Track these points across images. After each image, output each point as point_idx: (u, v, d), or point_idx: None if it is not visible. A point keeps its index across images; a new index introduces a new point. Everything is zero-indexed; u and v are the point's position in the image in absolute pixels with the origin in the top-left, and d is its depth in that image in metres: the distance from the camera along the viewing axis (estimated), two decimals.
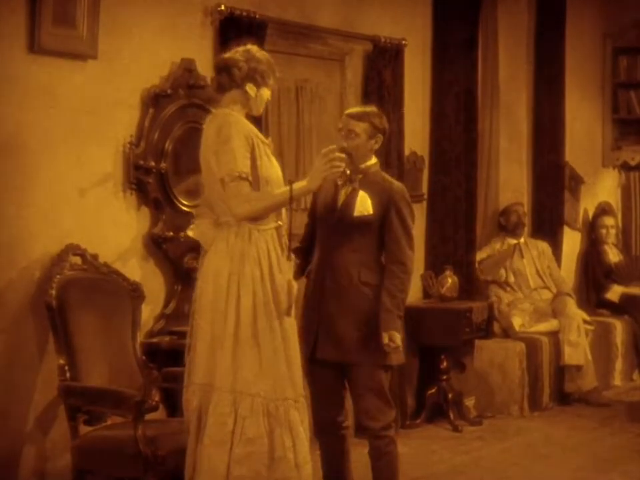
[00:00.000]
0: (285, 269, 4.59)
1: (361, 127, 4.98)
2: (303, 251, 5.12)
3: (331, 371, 5.03)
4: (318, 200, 5.15)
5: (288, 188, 4.51)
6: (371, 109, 5.15)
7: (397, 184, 5.13)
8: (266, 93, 4.68)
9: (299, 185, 4.56)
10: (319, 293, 5.00)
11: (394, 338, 4.89)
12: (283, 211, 4.68)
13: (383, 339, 4.88)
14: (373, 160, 5.09)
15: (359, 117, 5.01)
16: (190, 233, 4.74)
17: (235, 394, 4.45)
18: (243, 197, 4.45)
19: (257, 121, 4.94)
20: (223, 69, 4.65)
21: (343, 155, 4.60)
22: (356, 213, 4.95)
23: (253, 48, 4.70)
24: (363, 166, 5.03)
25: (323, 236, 5.06)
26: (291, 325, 4.60)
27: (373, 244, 4.99)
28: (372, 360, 4.95)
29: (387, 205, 4.97)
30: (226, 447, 4.42)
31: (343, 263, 4.96)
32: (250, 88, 4.62)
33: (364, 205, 4.95)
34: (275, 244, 4.58)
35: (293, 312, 4.58)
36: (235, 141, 4.45)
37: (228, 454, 4.42)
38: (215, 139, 4.49)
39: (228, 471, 4.42)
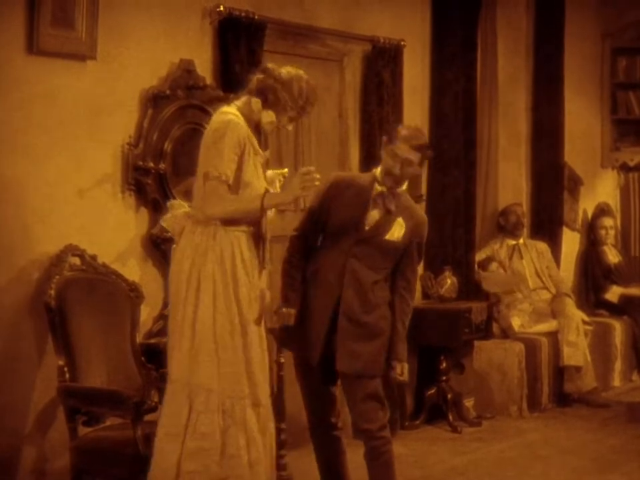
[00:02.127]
0: (254, 273, 4.60)
1: (418, 157, 4.99)
2: (303, 243, 5.09)
3: (321, 371, 5.02)
4: (338, 206, 5.02)
5: (259, 195, 4.53)
6: (425, 137, 5.12)
7: (423, 214, 5.22)
8: (270, 116, 4.66)
9: (270, 197, 4.57)
10: (333, 304, 4.96)
11: (405, 370, 5.04)
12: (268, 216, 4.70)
13: (396, 369, 5.02)
14: (406, 184, 5.12)
15: (419, 149, 4.98)
16: (163, 224, 4.79)
17: (190, 387, 4.47)
18: (217, 196, 4.47)
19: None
20: (260, 71, 4.70)
21: (318, 176, 4.58)
22: (387, 237, 4.97)
23: (297, 75, 4.68)
24: (399, 190, 5.05)
25: (342, 248, 4.98)
26: (257, 329, 4.61)
27: (390, 266, 5.03)
28: (380, 372, 5.01)
29: (413, 234, 5.03)
30: (179, 439, 4.45)
31: (363, 279, 4.96)
32: (255, 102, 4.63)
33: (397, 232, 4.98)
34: (241, 247, 4.58)
35: (262, 322, 4.62)
36: (226, 141, 4.48)
37: (180, 447, 4.44)
38: (211, 136, 4.54)
39: (179, 464, 4.44)
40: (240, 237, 4.58)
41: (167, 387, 4.55)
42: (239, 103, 4.69)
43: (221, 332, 4.50)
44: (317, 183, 4.59)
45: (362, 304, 4.96)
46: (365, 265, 4.96)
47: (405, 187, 5.09)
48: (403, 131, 5.03)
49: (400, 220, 4.99)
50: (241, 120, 4.58)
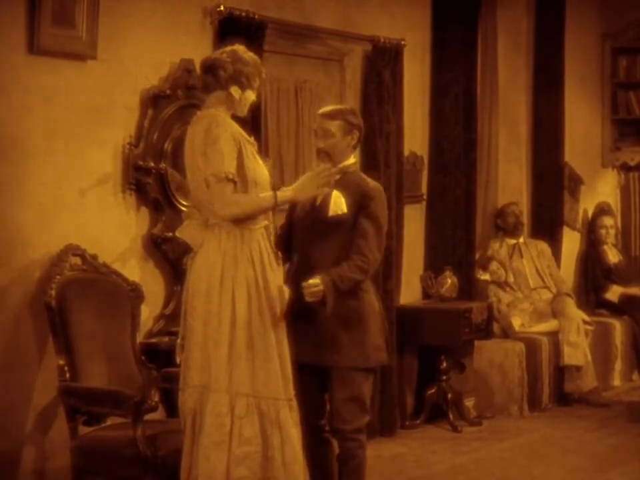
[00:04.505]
0: (275, 267, 4.61)
1: (335, 125, 4.93)
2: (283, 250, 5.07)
3: (311, 374, 4.92)
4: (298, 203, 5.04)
5: (272, 194, 4.55)
6: (344, 106, 5.18)
7: (373, 183, 5.03)
8: (251, 95, 4.68)
9: (284, 194, 4.59)
10: (297, 296, 4.81)
11: (313, 284, 4.66)
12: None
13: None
14: (352, 160, 5.03)
15: (332, 116, 4.97)
16: (178, 234, 4.76)
17: (230, 394, 4.47)
18: (227, 198, 4.47)
19: (254, 121, 4.94)
20: (209, 70, 4.66)
21: (335, 170, 4.60)
22: (330, 213, 4.86)
23: (240, 48, 4.71)
24: (341, 165, 4.95)
25: (301, 237, 4.98)
26: (283, 325, 4.62)
27: (349, 244, 4.87)
28: (349, 362, 4.84)
29: (360, 205, 4.88)
30: (224, 447, 4.44)
31: (320, 263, 4.84)
32: (235, 90, 4.63)
33: (338, 204, 4.86)
34: (265, 243, 4.60)
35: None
36: (222, 141, 4.47)
37: (226, 454, 4.44)
38: (203, 140, 4.50)
39: (227, 471, 4.43)
40: (263, 233, 4.60)
41: (207, 397, 4.50)
42: (210, 104, 4.65)
43: (257, 334, 4.50)
44: (336, 177, 4.68)
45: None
46: (323, 250, 4.83)
47: (351, 161, 4.99)
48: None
49: (336, 193, 4.87)
50: (225, 117, 4.58)
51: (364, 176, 5.09)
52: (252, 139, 4.69)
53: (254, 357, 4.49)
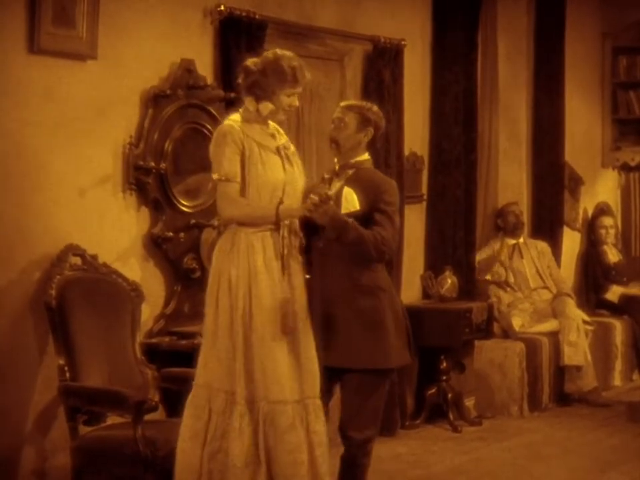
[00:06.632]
0: (275, 271, 4.58)
1: (350, 117, 4.89)
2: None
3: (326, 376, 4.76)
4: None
5: (274, 206, 4.53)
6: (367, 103, 5.10)
7: (386, 178, 5.00)
8: (267, 106, 4.64)
9: (287, 207, 4.55)
10: (312, 297, 4.73)
11: (326, 201, 4.50)
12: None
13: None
14: (365, 156, 4.94)
15: (349, 107, 4.96)
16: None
17: (210, 389, 4.53)
18: (230, 199, 4.55)
19: None
20: (238, 75, 4.73)
21: (332, 201, 4.53)
22: (343, 210, 4.75)
23: (271, 56, 4.66)
24: (353, 161, 4.90)
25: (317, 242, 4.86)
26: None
27: None
28: (367, 364, 4.74)
29: (373, 200, 4.78)
30: (199, 440, 4.50)
31: (335, 262, 4.77)
32: (249, 102, 4.66)
33: (350, 201, 4.79)
34: (264, 246, 4.57)
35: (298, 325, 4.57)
36: (222, 145, 4.56)
37: (201, 448, 4.50)
38: (211, 146, 4.65)
39: (201, 464, 4.49)
40: (264, 237, 4.58)
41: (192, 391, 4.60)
42: (240, 109, 4.73)
43: (237, 334, 4.51)
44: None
45: (335, 292, 4.74)
46: (337, 248, 4.71)
47: (364, 157, 4.92)
48: None
49: (347, 190, 4.80)
50: (237, 124, 4.61)
51: (378, 172, 5.05)
52: (275, 143, 4.67)
53: (236, 355, 4.51)
